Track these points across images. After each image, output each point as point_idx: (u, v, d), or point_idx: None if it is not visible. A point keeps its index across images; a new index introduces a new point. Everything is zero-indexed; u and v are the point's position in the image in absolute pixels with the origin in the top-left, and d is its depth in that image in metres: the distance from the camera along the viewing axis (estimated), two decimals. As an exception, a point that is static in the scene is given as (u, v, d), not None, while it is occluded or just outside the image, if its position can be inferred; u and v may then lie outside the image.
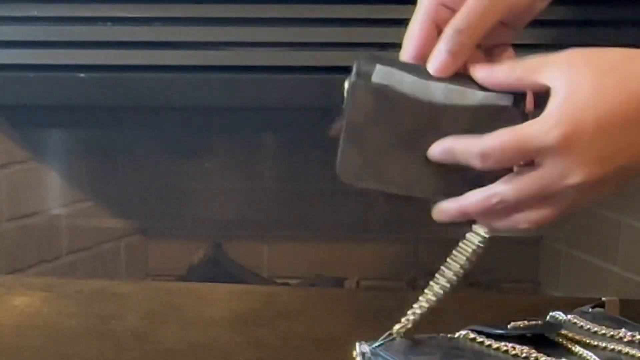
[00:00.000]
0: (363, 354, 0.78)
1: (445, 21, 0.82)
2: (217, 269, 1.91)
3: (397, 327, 0.79)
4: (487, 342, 0.79)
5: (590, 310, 0.89)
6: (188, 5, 1.52)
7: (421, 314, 0.80)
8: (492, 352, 0.78)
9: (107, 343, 1.02)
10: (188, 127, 1.84)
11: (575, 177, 0.75)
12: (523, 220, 0.79)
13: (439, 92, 0.80)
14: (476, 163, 0.77)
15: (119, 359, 1.00)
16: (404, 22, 1.46)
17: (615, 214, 1.78)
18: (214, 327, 1.06)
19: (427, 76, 0.81)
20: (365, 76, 0.80)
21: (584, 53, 0.77)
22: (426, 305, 0.80)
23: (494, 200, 0.78)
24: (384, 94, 0.80)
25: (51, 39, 1.54)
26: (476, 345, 0.79)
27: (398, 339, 0.79)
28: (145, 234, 2.03)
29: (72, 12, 1.53)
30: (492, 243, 0.81)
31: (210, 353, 0.99)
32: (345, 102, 0.81)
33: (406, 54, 0.84)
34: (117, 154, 1.94)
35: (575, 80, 0.76)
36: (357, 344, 0.79)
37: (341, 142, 0.81)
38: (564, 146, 0.75)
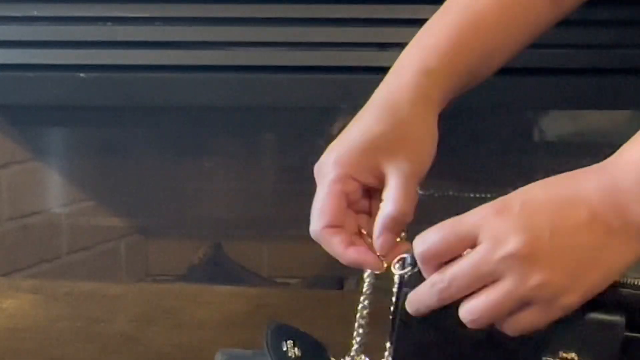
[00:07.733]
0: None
1: (351, 191, 0.88)
2: (217, 269, 1.91)
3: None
4: None
5: None
6: (188, 5, 1.52)
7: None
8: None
9: (96, 345, 1.02)
10: (188, 127, 1.84)
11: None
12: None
13: None
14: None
15: (107, 362, 1.00)
16: (404, 22, 1.46)
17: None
18: (203, 329, 1.06)
19: None
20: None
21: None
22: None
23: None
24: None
25: (51, 39, 1.54)
26: None
27: None
28: (145, 234, 2.02)
29: (72, 12, 1.53)
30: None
31: (198, 355, 0.99)
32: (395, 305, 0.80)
33: (318, 226, 0.89)
34: (117, 154, 1.93)
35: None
36: None
37: (395, 335, 0.80)
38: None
